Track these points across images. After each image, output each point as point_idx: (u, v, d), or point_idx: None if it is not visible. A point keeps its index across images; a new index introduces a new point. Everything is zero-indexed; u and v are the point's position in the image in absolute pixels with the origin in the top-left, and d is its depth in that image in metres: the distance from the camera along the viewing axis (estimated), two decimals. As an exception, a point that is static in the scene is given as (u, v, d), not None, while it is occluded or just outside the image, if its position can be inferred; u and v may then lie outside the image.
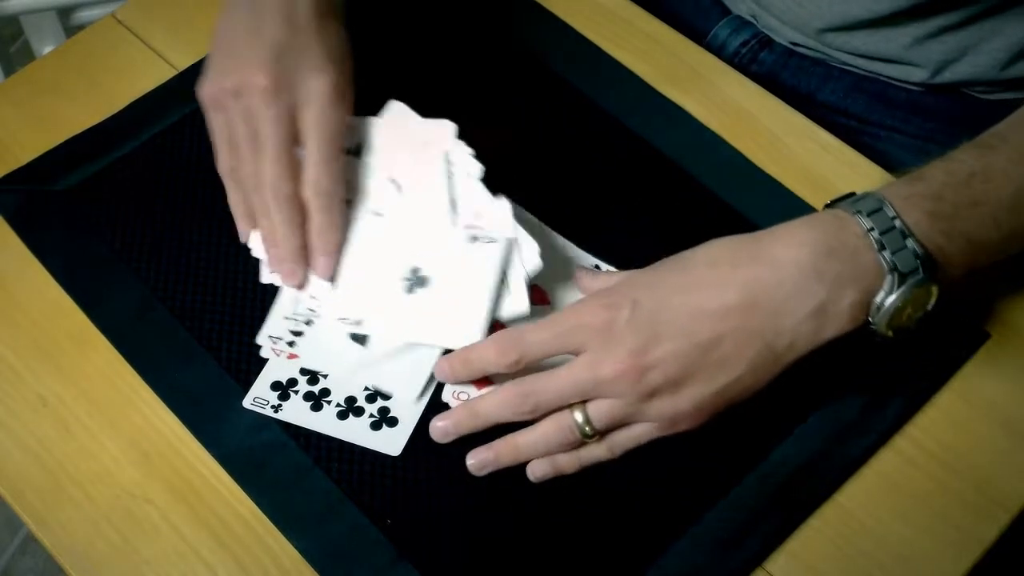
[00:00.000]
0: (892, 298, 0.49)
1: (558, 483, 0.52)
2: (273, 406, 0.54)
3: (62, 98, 0.67)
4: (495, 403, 0.51)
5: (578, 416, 0.50)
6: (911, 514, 0.52)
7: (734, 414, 0.52)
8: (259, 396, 0.54)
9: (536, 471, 0.52)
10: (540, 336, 0.51)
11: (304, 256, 0.56)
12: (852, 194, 0.52)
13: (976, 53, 0.68)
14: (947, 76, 0.70)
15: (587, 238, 0.60)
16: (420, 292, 0.54)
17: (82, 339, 0.57)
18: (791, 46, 0.75)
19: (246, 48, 0.55)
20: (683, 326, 0.49)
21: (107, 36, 0.70)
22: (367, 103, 0.59)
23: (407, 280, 0.54)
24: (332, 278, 0.56)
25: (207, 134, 0.65)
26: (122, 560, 0.51)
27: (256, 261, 0.59)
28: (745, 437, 0.54)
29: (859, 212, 0.50)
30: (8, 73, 1.20)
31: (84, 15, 1.15)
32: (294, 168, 0.55)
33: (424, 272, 0.54)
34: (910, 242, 0.49)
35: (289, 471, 0.53)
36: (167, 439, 0.54)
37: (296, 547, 0.51)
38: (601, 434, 0.51)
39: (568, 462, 0.52)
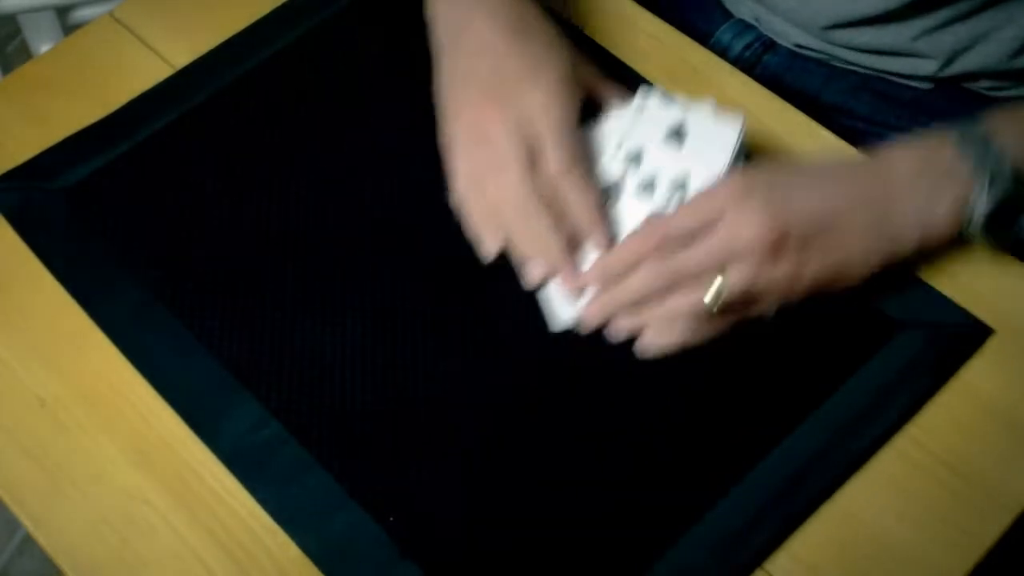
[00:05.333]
0: (982, 206, 0.55)
1: (559, 481, 0.52)
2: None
3: (59, 96, 0.66)
4: (638, 278, 0.55)
5: (709, 293, 0.53)
6: (912, 514, 0.52)
7: (733, 413, 0.52)
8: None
9: (656, 341, 0.56)
10: (679, 215, 0.55)
11: (571, 254, 0.56)
12: None
13: (987, 42, 0.68)
14: (956, 67, 0.69)
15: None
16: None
17: (80, 340, 0.57)
18: (795, 48, 0.75)
19: (467, 90, 0.58)
20: (814, 205, 0.54)
21: (105, 35, 0.69)
22: (369, 103, 0.59)
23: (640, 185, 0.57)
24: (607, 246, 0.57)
25: (206, 131, 0.65)
26: (120, 561, 0.51)
27: (254, 256, 0.58)
28: (746, 435, 0.54)
29: (954, 133, 0.56)
30: (6, 71, 1.20)
31: (82, 13, 1.15)
32: (538, 178, 0.56)
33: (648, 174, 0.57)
34: (994, 151, 0.55)
35: (290, 468, 0.53)
36: (165, 440, 0.54)
37: (298, 544, 0.51)
38: (726, 311, 0.54)
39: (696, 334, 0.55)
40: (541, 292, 0.58)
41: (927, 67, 0.70)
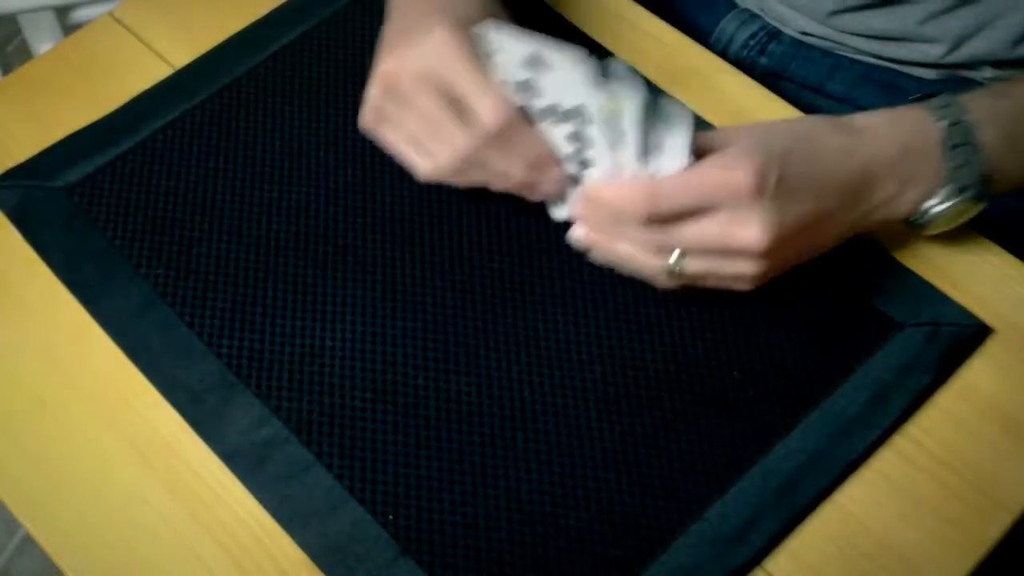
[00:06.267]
0: (941, 207, 0.54)
1: (559, 479, 0.53)
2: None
3: (59, 97, 0.66)
4: (622, 244, 0.52)
5: (672, 262, 0.52)
6: (912, 515, 0.52)
7: (733, 411, 0.51)
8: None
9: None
10: (680, 195, 0.50)
11: (535, 172, 0.54)
12: (940, 93, 0.56)
13: (992, 28, 0.68)
14: (963, 53, 0.69)
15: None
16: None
17: (81, 339, 0.57)
18: (800, 36, 0.75)
19: (380, 54, 0.56)
20: (810, 201, 0.51)
21: (105, 35, 0.69)
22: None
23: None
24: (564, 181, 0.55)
25: (206, 130, 0.65)
26: (120, 561, 0.51)
27: (255, 254, 0.59)
28: (745, 434, 0.54)
29: (941, 120, 0.54)
30: (6, 71, 1.20)
31: (82, 14, 1.15)
32: (475, 131, 0.53)
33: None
34: (976, 159, 0.53)
35: (291, 467, 0.53)
36: (165, 440, 0.54)
37: (298, 543, 0.51)
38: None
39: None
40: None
41: (933, 53, 0.70)
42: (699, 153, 0.52)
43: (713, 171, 0.50)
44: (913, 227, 0.57)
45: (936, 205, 0.54)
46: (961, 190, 0.54)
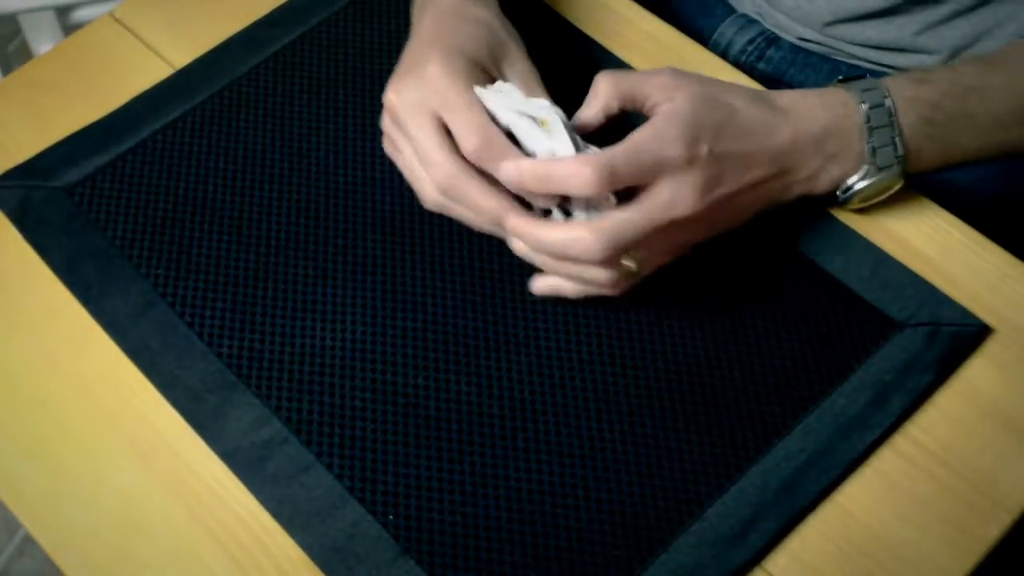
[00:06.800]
0: (862, 184, 0.57)
1: (559, 479, 0.53)
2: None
3: (60, 97, 0.66)
4: (577, 249, 0.52)
5: (631, 264, 0.53)
6: (912, 514, 0.52)
7: (732, 411, 0.51)
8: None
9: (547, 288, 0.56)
10: (628, 169, 0.51)
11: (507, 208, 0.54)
12: (865, 75, 0.58)
13: (990, 38, 0.68)
14: None
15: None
16: None
17: (81, 340, 0.57)
18: (798, 42, 0.75)
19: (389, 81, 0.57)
20: (740, 173, 0.54)
21: (105, 35, 0.69)
22: (369, 103, 0.59)
23: None
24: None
25: (207, 130, 0.65)
26: (120, 561, 0.51)
27: (255, 254, 0.59)
28: (745, 434, 0.54)
29: (864, 103, 0.56)
30: (6, 71, 1.20)
31: (82, 14, 1.15)
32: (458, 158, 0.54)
33: None
34: (897, 141, 0.56)
35: (291, 467, 0.53)
36: (165, 440, 0.54)
37: (298, 543, 0.51)
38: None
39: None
40: None
41: (930, 63, 0.70)
42: (627, 96, 0.56)
43: (651, 145, 0.52)
44: (837, 201, 0.59)
45: (858, 182, 0.57)
46: (881, 169, 0.57)
